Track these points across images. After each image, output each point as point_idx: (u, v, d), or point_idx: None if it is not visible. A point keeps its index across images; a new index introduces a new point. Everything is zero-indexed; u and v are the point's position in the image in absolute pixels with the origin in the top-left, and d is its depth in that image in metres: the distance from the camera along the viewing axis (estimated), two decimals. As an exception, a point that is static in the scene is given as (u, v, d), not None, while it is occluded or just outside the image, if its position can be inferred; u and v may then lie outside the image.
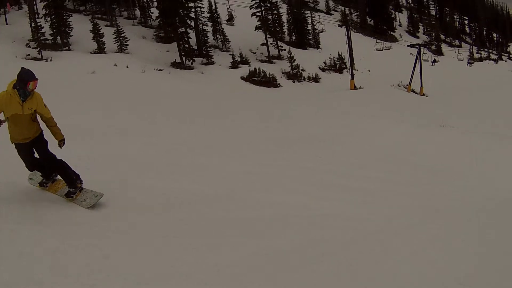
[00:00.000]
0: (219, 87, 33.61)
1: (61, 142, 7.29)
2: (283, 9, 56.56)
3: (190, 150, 12.64)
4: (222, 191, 8.95)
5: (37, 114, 7.00)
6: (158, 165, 10.41)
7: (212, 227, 7.10)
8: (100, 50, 36.19)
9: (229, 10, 50.13)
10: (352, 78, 42.58)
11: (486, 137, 19.20)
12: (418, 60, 48.64)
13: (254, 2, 47.71)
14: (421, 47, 51.47)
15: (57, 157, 7.28)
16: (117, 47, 37.35)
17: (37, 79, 6.61)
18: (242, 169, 11.16)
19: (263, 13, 47.70)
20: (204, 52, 41.53)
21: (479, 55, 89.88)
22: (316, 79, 43.78)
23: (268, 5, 48.61)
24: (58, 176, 7.65)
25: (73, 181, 7.29)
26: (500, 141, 18.13)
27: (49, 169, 7.44)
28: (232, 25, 52.28)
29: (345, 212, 8.57)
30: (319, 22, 53.71)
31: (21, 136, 6.95)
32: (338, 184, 10.76)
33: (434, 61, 69.30)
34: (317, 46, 58.25)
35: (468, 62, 69.18)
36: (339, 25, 46.16)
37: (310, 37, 59.14)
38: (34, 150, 7.19)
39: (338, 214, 8.41)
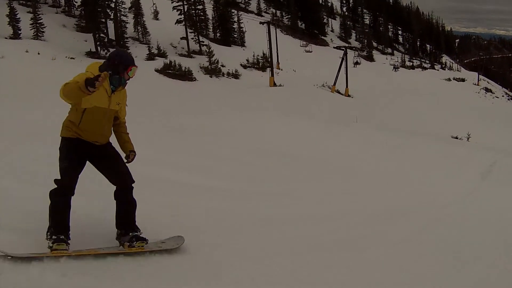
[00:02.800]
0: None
1: (132, 155, 5.01)
2: (209, 5, 55.19)
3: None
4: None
5: None
6: None
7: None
8: (16, 35, 34.37)
9: (154, 4, 49.32)
10: (272, 75, 41.02)
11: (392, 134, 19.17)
12: (343, 62, 48.16)
13: (176, -5, 45.90)
14: (348, 50, 51.49)
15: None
16: (33, 33, 35.65)
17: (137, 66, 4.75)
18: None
19: (185, 7, 45.66)
20: (121, 43, 39.60)
21: (411, 63, 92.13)
22: (236, 76, 41.85)
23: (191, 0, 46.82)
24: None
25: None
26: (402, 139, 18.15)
27: (126, 202, 4.89)
28: (157, 19, 51.31)
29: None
30: (244, 21, 53.12)
31: (92, 137, 4.66)
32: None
33: (395, 67, 70.04)
34: (242, 44, 57.00)
35: (394, 67, 70.21)
36: (260, 23, 44.76)
37: (235, 35, 58.00)
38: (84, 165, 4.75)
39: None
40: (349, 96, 46.06)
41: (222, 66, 42.22)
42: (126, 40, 40.71)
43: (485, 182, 12.49)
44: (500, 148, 20.47)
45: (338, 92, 46.11)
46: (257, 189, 9.13)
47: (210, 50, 41.51)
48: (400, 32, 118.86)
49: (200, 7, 49.02)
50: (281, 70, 51.43)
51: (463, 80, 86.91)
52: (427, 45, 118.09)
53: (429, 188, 11.52)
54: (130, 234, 4.80)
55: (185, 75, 36.75)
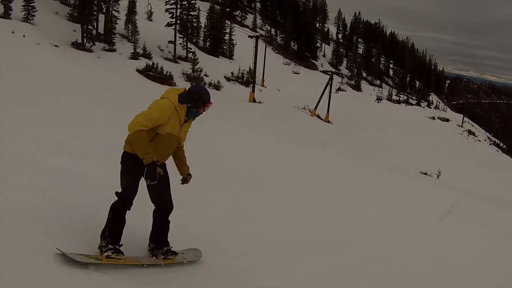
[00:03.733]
0: (106, 75, 31.23)
1: (189, 177, 5.66)
2: (204, 13, 55.35)
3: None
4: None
5: None
6: None
7: None
8: (6, 15, 34.25)
9: (148, 3, 49.24)
10: (253, 91, 40.73)
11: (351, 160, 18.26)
12: (328, 87, 48.06)
13: (171, -3, 45.74)
14: (335, 75, 51.29)
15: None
16: (24, 15, 35.52)
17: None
18: None
19: (177, 11, 45.54)
20: (109, 38, 39.61)
21: (398, 98, 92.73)
22: (217, 87, 41.59)
23: (186, 4, 46.54)
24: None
25: None
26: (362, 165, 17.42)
27: (163, 221, 5.55)
28: (151, 20, 51.54)
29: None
30: (237, 34, 53.00)
31: (156, 157, 4.99)
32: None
33: (378, 98, 70.58)
34: (230, 56, 56.92)
35: (377, 98, 70.68)
36: (249, 36, 44.57)
37: (225, 47, 57.76)
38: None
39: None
40: (329, 122, 45.62)
41: (205, 75, 42.07)
42: (113, 36, 40.38)
43: (441, 223, 11.74)
44: (469, 190, 19.52)
45: (319, 116, 45.70)
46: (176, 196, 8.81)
47: (195, 57, 41.36)
48: (391, 65, 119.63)
49: (194, 13, 48.76)
50: (265, 87, 51.33)
51: (447, 120, 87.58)
52: (417, 82, 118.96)
53: (372, 223, 10.68)
54: (165, 248, 5.51)
55: (165, 79, 36.48)
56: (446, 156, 45.61)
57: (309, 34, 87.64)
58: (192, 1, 47.54)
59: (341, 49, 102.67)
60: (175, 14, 45.44)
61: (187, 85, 28.31)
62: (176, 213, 5.50)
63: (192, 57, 41.45)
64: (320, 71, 56.50)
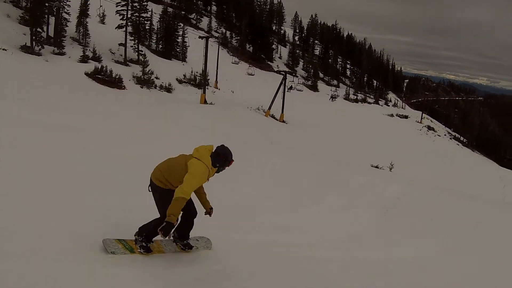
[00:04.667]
0: (51, 77, 30.72)
1: (212, 210, 7.02)
2: (157, 16, 54.92)
3: None
4: None
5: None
6: None
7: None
8: None
9: (100, 5, 47.65)
10: (204, 92, 40.29)
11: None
12: (282, 87, 48.00)
13: (122, -1, 44.90)
14: (287, 74, 51.30)
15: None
16: None
17: None
18: None
19: (128, 13, 44.76)
20: (58, 41, 38.53)
21: (355, 97, 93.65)
22: (168, 89, 41.11)
23: (137, 6, 45.77)
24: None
25: None
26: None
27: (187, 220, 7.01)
28: (103, 23, 50.15)
29: None
30: (190, 36, 52.57)
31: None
32: None
33: (333, 97, 70.86)
34: (183, 59, 56.34)
35: (332, 97, 71.15)
36: (199, 37, 44.12)
37: (178, 49, 57.25)
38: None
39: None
40: (283, 122, 45.63)
41: (156, 78, 41.56)
42: (63, 39, 39.38)
43: (386, 218, 11.01)
44: (420, 181, 18.07)
45: (273, 117, 45.67)
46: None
47: (145, 59, 40.83)
48: (349, 66, 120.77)
49: (145, 15, 47.78)
50: (219, 89, 51.12)
51: (406, 117, 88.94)
52: (374, 81, 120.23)
53: (304, 221, 10.36)
54: (185, 241, 7.07)
55: (114, 82, 35.89)
56: (403, 151, 46.03)
57: (265, 36, 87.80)
58: (144, 3, 46.79)
59: (298, 51, 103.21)
60: (125, 16, 44.56)
61: (137, 89, 27.96)
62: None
63: (142, 59, 40.90)
64: (275, 71, 56.35)
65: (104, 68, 36.15)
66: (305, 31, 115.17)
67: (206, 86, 44.90)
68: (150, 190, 6.51)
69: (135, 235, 6.57)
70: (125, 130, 15.36)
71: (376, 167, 26.47)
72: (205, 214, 6.89)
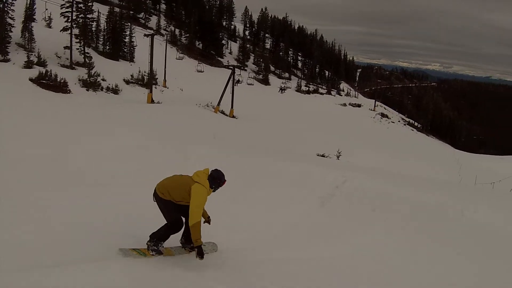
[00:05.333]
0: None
1: (209, 219, 8.19)
2: (104, 16, 54.89)
3: None
4: None
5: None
6: None
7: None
8: None
9: (46, 9, 46.72)
10: (151, 91, 40.41)
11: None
12: (231, 82, 48.32)
13: (66, 1, 44.00)
14: (236, 69, 51.55)
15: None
16: None
17: None
18: None
19: (73, 15, 44.02)
20: (3, 47, 37.95)
21: (307, 88, 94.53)
22: (115, 91, 40.99)
23: (82, 7, 45.17)
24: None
25: None
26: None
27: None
28: (50, 27, 49.27)
29: None
30: (138, 35, 52.25)
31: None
32: None
33: (282, 89, 71.37)
34: (131, 59, 56.24)
35: (281, 89, 71.89)
36: (145, 35, 43.92)
37: (125, 50, 57.12)
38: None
39: None
40: (233, 117, 45.93)
41: (103, 80, 41.46)
42: (8, 45, 38.84)
43: (324, 209, 10.50)
44: (371, 168, 17.08)
45: (223, 112, 45.90)
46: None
47: (91, 61, 40.62)
48: (300, 58, 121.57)
49: (91, 16, 47.27)
50: (167, 88, 51.17)
51: (359, 105, 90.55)
52: (326, 72, 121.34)
53: (232, 218, 9.92)
54: (191, 245, 7.68)
55: (59, 87, 35.67)
56: (356, 139, 46.77)
57: (214, 32, 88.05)
58: (89, 3, 46.28)
59: (248, 45, 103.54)
60: (70, 17, 43.88)
61: (83, 92, 27.83)
62: None
63: (87, 62, 40.67)
64: (224, 65, 56.53)
65: (48, 73, 35.83)
66: (255, 26, 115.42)
67: (154, 86, 44.99)
68: (155, 200, 7.65)
69: (147, 243, 7.61)
70: (60, 131, 15.75)
71: (322, 155, 26.26)
72: (204, 223, 7.81)
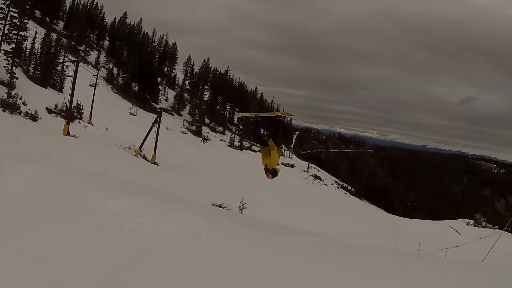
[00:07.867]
0: None
1: None
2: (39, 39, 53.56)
3: None
4: None
5: None
6: None
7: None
8: None
9: None
10: (68, 123, 38.69)
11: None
12: (155, 125, 47.46)
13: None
14: (163, 112, 51.15)
15: None
16: None
17: None
18: None
19: (5, 28, 42.52)
20: None
21: (239, 143, 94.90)
22: (34, 117, 38.81)
23: (17, 22, 43.61)
24: None
25: None
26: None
27: None
28: None
29: None
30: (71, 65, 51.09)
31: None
32: None
33: (204, 138, 71.41)
34: (60, 89, 54.65)
35: (203, 138, 72.56)
36: (70, 61, 42.60)
37: (56, 78, 55.52)
38: None
39: None
40: (155, 163, 44.85)
41: (24, 104, 39.59)
42: None
43: None
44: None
45: (144, 157, 44.70)
46: None
47: (12, 81, 38.85)
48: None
49: (23, 33, 45.59)
50: (92, 125, 49.61)
51: (292, 165, 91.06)
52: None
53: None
54: None
55: (-25, 106, 34.04)
56: (284, 198, 46.50)
57: (152, 76, 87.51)
58: (24, 20, 44.82)
59: (185, 95, 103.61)
60: (2, 31, 42.37)
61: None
62: None
63: (8, 80, 38.88)
64: (158, 109, 55.81)
65: (-37, 93, 34.18)
66: (196, 76, 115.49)
67: (78, 120, 43.57)
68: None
69: None
70: None
71: (220, 206, 23.85)
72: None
